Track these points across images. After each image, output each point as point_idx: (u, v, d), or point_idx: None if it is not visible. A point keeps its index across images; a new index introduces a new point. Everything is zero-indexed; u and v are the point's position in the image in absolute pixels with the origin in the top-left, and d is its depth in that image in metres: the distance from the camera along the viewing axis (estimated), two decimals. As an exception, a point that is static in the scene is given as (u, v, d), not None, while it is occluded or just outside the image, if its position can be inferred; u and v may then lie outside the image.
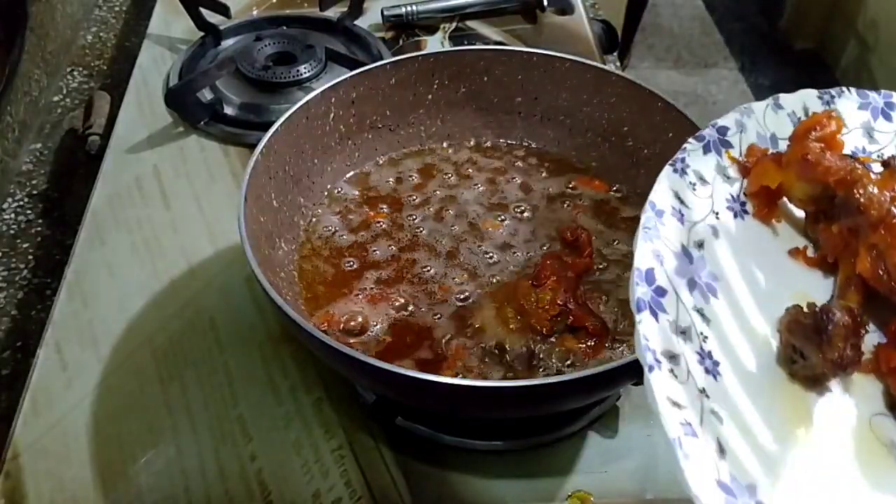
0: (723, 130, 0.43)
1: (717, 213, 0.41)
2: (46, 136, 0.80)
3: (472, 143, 0.66)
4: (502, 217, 0.60)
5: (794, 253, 0.42)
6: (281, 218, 0.56)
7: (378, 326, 0.53)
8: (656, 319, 0.34)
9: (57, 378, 0.56)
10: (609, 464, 0.52)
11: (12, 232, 0.71)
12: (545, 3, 0.90)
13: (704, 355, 0.35)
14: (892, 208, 0.39)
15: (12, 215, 0.72)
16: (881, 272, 0.39)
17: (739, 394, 0.35)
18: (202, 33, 0.84)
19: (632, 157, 0.62)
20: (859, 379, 0.38)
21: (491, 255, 0.57)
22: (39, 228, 0.71)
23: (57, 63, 0.87)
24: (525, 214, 0.61)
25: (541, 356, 0.51)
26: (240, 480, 0.51)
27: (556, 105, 0.64)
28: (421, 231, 0.59)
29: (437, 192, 0.62)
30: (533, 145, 0.66)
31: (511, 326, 0.52)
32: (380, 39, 0.85)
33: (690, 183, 0.40)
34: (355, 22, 0.87)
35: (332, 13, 0.87)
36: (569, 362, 0.50)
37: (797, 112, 0.44)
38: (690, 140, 0.41)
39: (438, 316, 0.53)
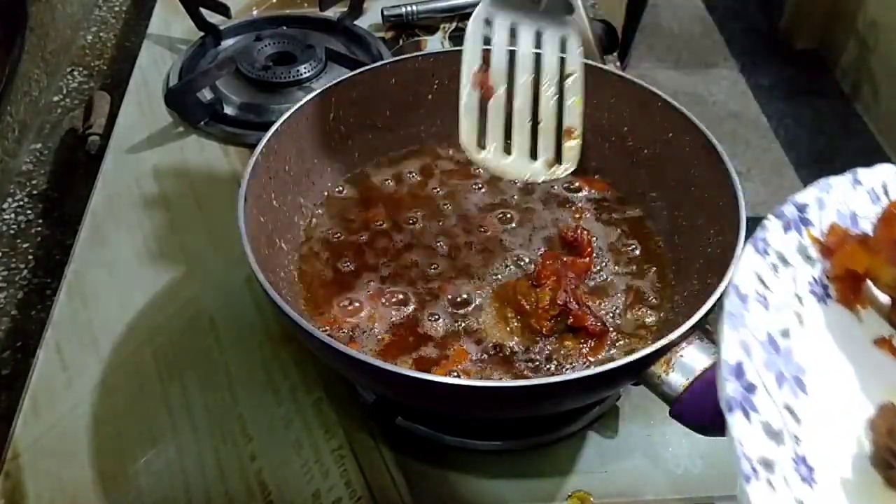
0: (802, 207, 0.40)
1: (800, 298, 0.38)
2: (46, 136, 0.80)
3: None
4: (502, 217, 0.60)
5: (880, 342, 0.39)
6: (281, 218, 0.56)
7: (378, 326, 0.53)
8: (748, 420, 0.32)
9: (57, 378, 0.56)
10: (609, 464, 0.52)
11: (12, 232, 0.71)
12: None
13: (799, 461, 0.33)
14: None
15: (12, 215, 0.72)
16: None
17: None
18: (202, 33, 0.84)
19: (632, 157, 0.61)
20: None
21: (491, 255, 0.57)
22: (39, 228, 0.71)
23: (57, 63, 0.87)
24: (525, 215, 0.61)
25: (540, 355, 0.51)
26: (240, 480, 0.51)
27: (556, 105, 0.64)
28: (421, 231, 0.59)
29: (438, 193, 0.62)
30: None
31: (511, 326, 0.52)
32: (380, 39, 0.85)
33: (772, 264, 0.38)
34: (355, 22, 0.87)
35: (332, 13, 0.87)
36: (569, 363, 0.50)
37: (876, 189, 0.42)
38: (769, 217, 0.39)
39: (437, 317, 0.53)
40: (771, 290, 0.37)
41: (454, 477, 0.51)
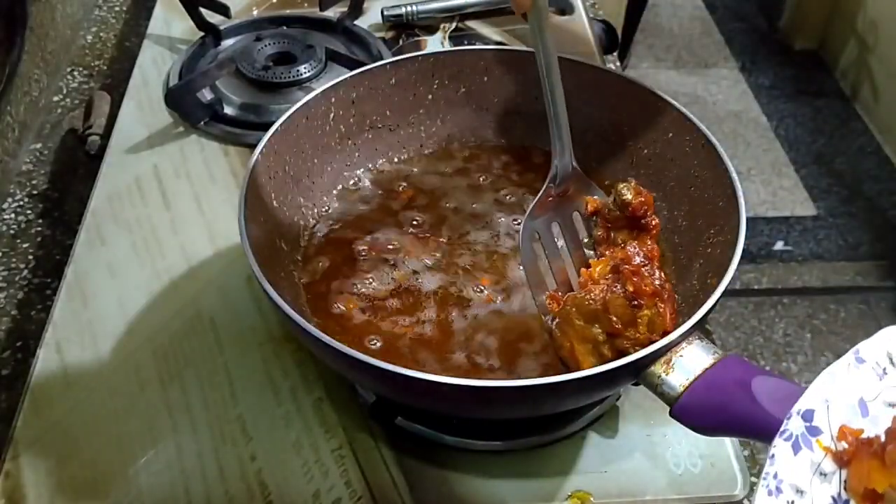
0: (808, 415, 0.38)
1: None
2: (46, 136, 0.80)
3: (472, 143, 0.66)
4: (505, 218, 0.60)
5: None
6: (281, 218, 0.56)
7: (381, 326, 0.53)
8: None
9: (57, 378, 0.56)
10: (609, 464, 0.52)
11: (12, 232, 0.71)
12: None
13: None
14: None
15: (12, 215, 0.72)
16: None
17: None
18: (202, 33, 0.84)
19: (632, 157, 0.61)
20: None
21: (494, 257, 0.57)
22: (39, 228, 0.71)
23: (57, 63, 0.87)
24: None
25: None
26: (240, 480, 0.51)
27: (557, 105, 0.64)
28: (422, 232, 0.59)
29: (438, 193, 0.62)
30: (534, 145, 0.66)
31: (605, 352, 0.47)
32: (380, 39, 0.85)
33: (788, 502, 0.36)
34: (355, 22, 0.87)
35: (332, 13, 0.87)
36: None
37: (881, 362, 0.40)
38: (776, 442, 0.37)
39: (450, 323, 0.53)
40: None
41: (454, 477, 0.51)
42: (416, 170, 0.64)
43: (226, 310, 0.60)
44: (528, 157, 0.65)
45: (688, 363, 0.43)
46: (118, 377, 0.56)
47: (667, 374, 0.43)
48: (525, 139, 0.66)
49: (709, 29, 2.36)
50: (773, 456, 0.37)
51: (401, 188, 0.63)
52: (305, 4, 0.91)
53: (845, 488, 0.38)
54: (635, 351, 0.45)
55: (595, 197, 0.55)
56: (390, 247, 0.58)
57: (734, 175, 0.52)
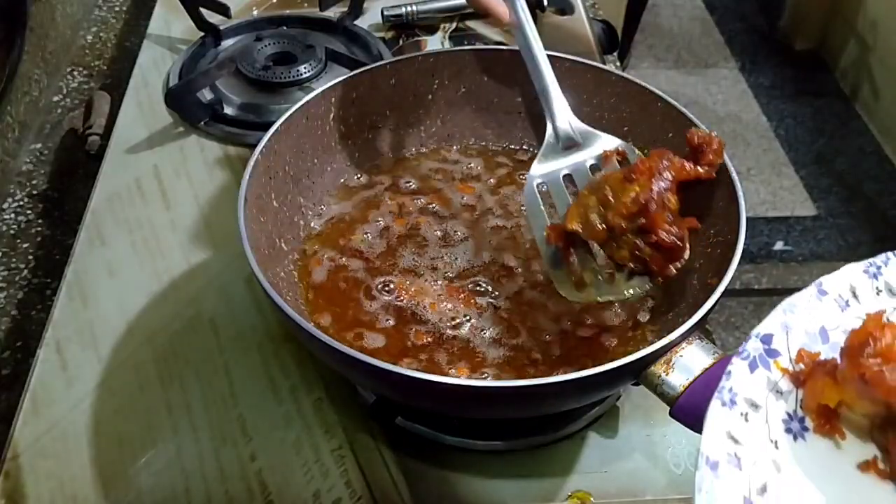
0: (767, 339, 0.39)
1: (775, 442, 0.37)
2: (46, 136, 0.80)
3: (472, 143, 0.66)
4: (504, 217, 0.60)
5: (864, 466, 0.38)
6: (281, 218, 0.56)
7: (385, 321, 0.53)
8: None
9: (57, 378, 0.56)
10: (609, 464, 0.52)
11: (12, 232, 0.71)
12: (545, 3, 0.90)
13: None
14: None
15: (12, 215, 0.72)
16: None
17: None
18: (202, 33, 0.84)
19: (632, 157, 0.61)
20: None
21: (493, 256, 0.57)
22: (39, 228, 0.71)
23: (57, 63, 0.87)
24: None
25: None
26: (240, 480, 0.51)
27: (556, 105, 0.64)
28: (423, 231, 0.59)
29: (438, 193, 0.62)
30: (533, 145, 0.66)
31: (591, 217, 0.49)
32: (380, 39, 0.85)
33: (742, 413, 0.37)
34: (355, 22, 0.87)
35: (332, 13, 0.87)
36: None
37: (843, 295, 0.41)
38: (733, 360, 0.38)
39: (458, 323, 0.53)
40: (743, 444, 0.36)
41: (454, 477, 0.51)
42: (416, 170, 0.64)
43: (226, 310, 0.60)
44: (529, 157, 0.65)
45: (688, 363, 0.43)
46: (118, 377, 0.56)
47: (667, 374, 0.43)
48: (525, 139, 0.66)
49: (709, 29, 2.36)
50: (729, 372, 0.38)
51: (401, 188, 0.63)
52: (305, 4, 0.91)
53: (801, 406, 0.39)
54: (613, 221, 0.47)
55: (612, 148, 0.54)
56: (390, 247, 0.58)
57: (734, 175, 0.52)
